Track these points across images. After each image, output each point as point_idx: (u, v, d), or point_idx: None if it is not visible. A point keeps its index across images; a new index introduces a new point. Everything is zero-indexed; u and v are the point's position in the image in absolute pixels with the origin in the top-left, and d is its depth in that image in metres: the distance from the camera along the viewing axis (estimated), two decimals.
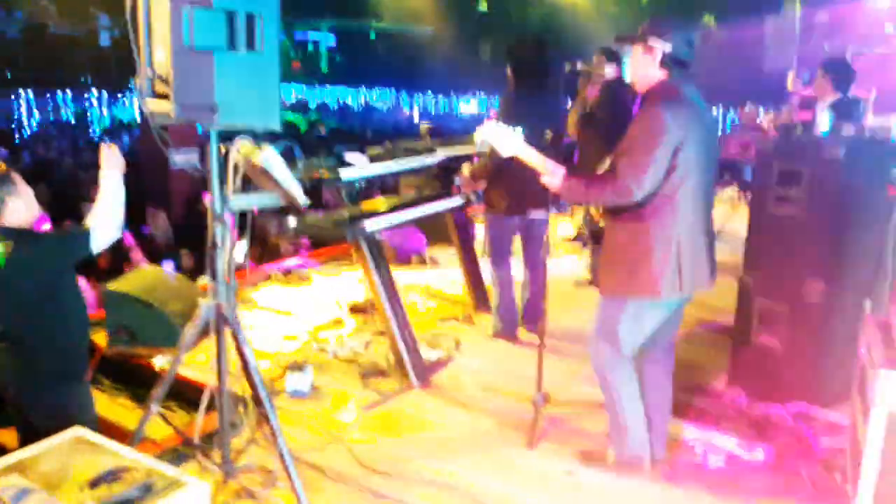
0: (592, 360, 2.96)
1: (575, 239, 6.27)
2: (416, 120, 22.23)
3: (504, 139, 2.79)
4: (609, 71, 4.05)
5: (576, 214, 6.51)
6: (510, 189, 4.00)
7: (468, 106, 24.32)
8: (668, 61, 2.66)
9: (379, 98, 26.91)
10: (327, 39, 26.49)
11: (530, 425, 3.29)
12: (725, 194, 8.70)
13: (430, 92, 25.06)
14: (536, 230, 4.22)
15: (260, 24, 2.35)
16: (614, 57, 4.88)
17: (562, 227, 6.84)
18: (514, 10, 18.39)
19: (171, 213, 7.81)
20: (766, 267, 3.64)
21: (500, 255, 4.31)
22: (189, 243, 6.61)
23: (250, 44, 2.35)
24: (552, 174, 2.75)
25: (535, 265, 4.33)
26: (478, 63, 21.86)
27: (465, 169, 4.26)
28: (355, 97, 26.69)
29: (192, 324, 2.69)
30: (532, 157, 2.79)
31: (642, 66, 2.71)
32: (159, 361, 3.87)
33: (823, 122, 3.50)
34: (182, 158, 2.69)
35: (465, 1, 20.60)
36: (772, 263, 3.61)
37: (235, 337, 2.69)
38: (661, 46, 2.65)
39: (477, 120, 21.66)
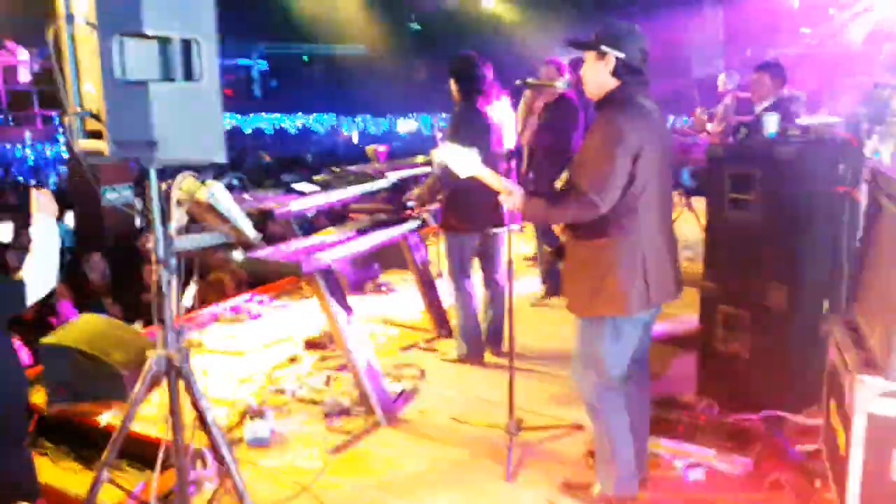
0: (579, 389, 2.85)
1: (533, 258, 6.22)
2: (355, 141, 22.05)
3: (461, 160, 2.72)
4: (560, 84, 4.02)
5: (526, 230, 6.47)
6: (468, 207, 3.92)
7: (407, 124, 24.28)
8: (622, 69, 2.59)
9: (316, 121, 26.62)
10: (259, 65, 26.09)
11: (506, 454, 3.18)
12: None
13: (368, 115, 24.94)
14: (494, 248, 4.15)
15: (197, 50, 2.18)
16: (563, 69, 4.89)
17: (521, 244, 6.79)
18: (447, 27, 18.48)
19: (107, 254, 7.42)
20: (727, 273, 3.63)
21: (461, 276, 4.20)
22: (128, 285, 6.28)
23: (188, 72, 2.18)
24: (510, 194, 2.67)
25: (496, 284, 4.26)
26: (414, 81, 21.88)
27: (415, 191, 4.18)
28: (292, 122, 26.34)
29: (142, 378, 2.48)
30: (490, 178, 2.71)
31: (596, 74, 2.63)
32: (106, 418, 3.59)
33: (770, 123, 3.52)
34: (115, 196, 2.51)
35: (397, 19, 20.60)
36: (732, 269, 3.60)
37: (190, 389, 2.49)
38: (615, 53, 2.58)
39: (418, 138, 21.65)
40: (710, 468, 3.11)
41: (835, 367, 2.93)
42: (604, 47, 2.59)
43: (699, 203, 5.94)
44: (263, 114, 25.83)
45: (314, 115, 26.61)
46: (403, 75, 21.44)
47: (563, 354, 4.30)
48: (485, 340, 4.34)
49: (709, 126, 5.24)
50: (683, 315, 3.31)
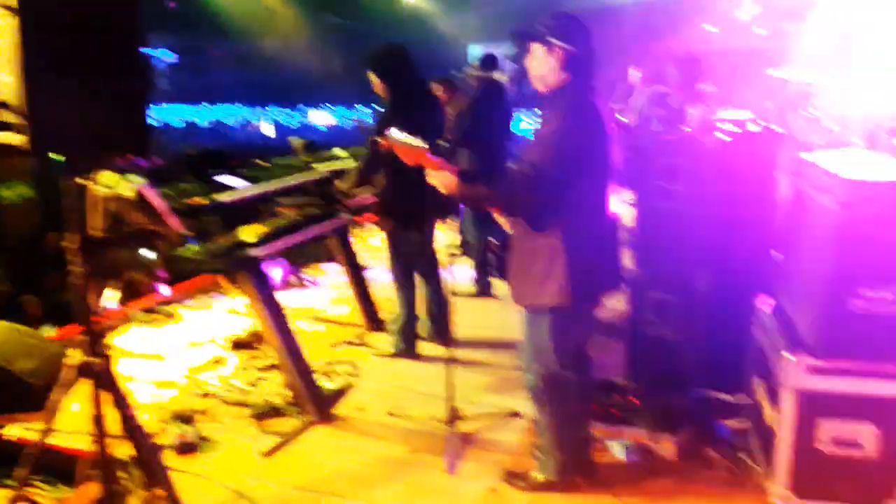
0: (528, 382, 2.86)
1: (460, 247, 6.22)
2: (270, 134, 21.45)
3: (408, 147, 2.71)
4: (487, 76, 4.01)
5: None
6: (409, 201, 3.84)
7: (324, 117, 23.82)
8: (571, 62, 2.57)
9: (228, 114, 25.73)
10: (166, 56, 24.95)
11: (446, 447, 3.15)
12: None
13: (285, 107, 24.31)
14: (431, 242, 4.12)
15: (123, 43, 2.04)
16: (491, 63, 4.90)
17: (446, 235, 6.76)
18: (364, 18, 18.23)
19: (7, 256, 6.89)
20: (656, 259, 3.73)
21: (404, 271, 4.15)
22: (32, 288, 5.85)
23: (112, 66, 2.03)
24: (448, 176, 2.66)
25: (435, 277, 4.23)
26: (330, 73, 21.49)
27: (341, 183, 4.08)
28: (202, 115, 25.36)
29: (59, 386, 2.30)
30: (430, 162, 2.70)
31: (543, 67, 2.61)
32: (14, 432, 3.32)
33: (694, 115, 3.64)
34: (13, 193, 2.31)
35: (313, 11, 20.14)
36: (660, 256, 3.71)
37: (114, 397, 2.33)
38: (564, 47, 2.56)
39: (336, 130, 21.30)
40: (644, 449, 3.20)
41: (761, 346, 3.06)
42: (553, 40, 2.56)
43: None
44: (166, 105, 24.75)
45: (225, 106, 25.72)
46: (320, 68, 21.03)
47: (498, 343, 4.37)
48: (429, 334, 4.30)
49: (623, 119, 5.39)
50: (612, 301, 3.40)
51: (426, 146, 2.70)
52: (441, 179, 2.68)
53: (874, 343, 2.49)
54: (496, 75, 3.98)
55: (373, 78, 3.94)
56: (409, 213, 3.92)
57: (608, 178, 2.74)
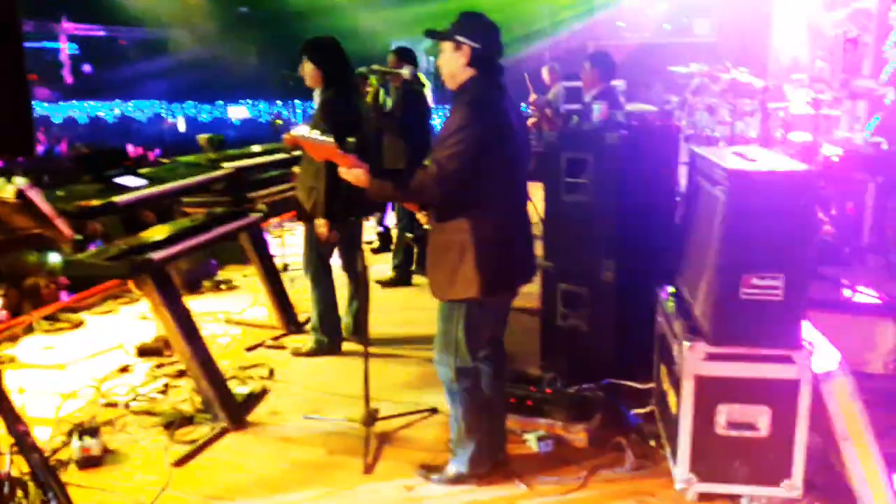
0: (438, 372, 2.88)
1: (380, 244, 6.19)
2: (181, 129, 20.73)
3: (317, 144, 2.71)
4: (406, 71, 3.99)
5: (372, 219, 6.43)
6: (338, 196, 3.77)
7: (239, 111, 23.17)
8: (477, 59, 2.64)
9: (136, 108, 24.67)
10: (69, 48, 23.65)
11: (363, 448, 3.13)
12: None
13: (196, 101, 23.48)
14: (356, 237, 4.08)
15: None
16: (410, 57, 4.88)
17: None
18: (276, 9, 17.82)
19: None
20: (564, 252, 3.82)
21: (322, 267, 4.10)
22: None
23: None
24: (357, 169, 2.69)
25: (357, 274, 4.18)
26: (243, 67, 20.93)
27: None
28: (108, 109, 24.21)
29: None
30: (340, 158, 2.71)
31: (452, 64, 2.68)
32: None
33: (598, 111, 3.73)
34: None
35: (224, 2, 19.56)
36: (569, 249, 3.80)
37: (3, 412, 2.21)
38: (470, 44, 2.63)
39: (251, 125, 20.76)
40: (557, 438, 3.27)
41: (663, 334, 3.18)
42: (459, 37, 2.64)
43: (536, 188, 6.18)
44: (75, 101, 23.53)
45: (133, 101, 24.65)
46: (233, 60, 20.44)
47: (416, 338, 4.37)
48: (350, 332, 4.26)
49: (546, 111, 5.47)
50: (524, 292, 3.46)
51: (334, 142, 2.69)
52: (353, 175, 2.71)
53: (764, 328, 2.62)
54: (405, 71, 3.97)
55: (307, 67, 3.87)
56: (339, 209, 3.83)
57: (522, 170, 2.80)
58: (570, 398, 3.48)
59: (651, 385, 3.46)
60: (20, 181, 2.20)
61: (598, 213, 3.64)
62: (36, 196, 2.22)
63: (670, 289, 3.28)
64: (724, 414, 2.69)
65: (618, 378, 3.64)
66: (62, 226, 2.31)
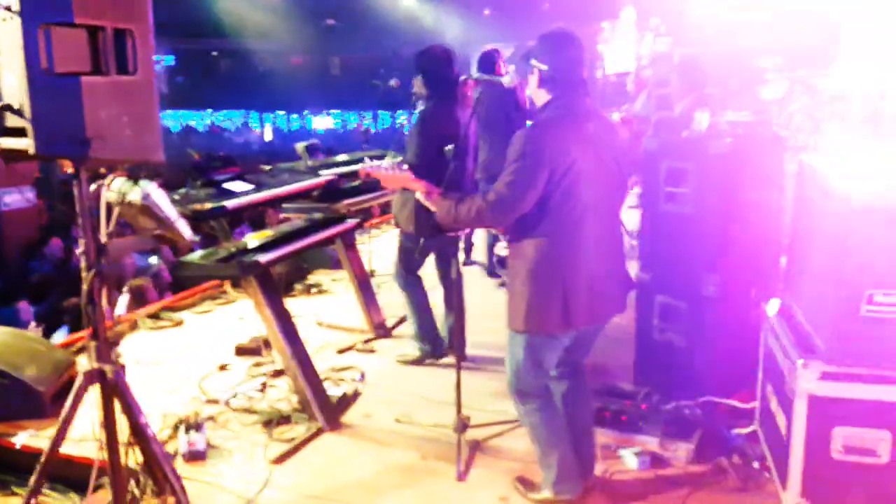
0: (509, 391, 2.82)
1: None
2: (268, 138, 21.47)
3: (388, 175, 2.83)
4: (507, 80, 4.01)
5: None
6: (420, 208, 3.82)
7: (323, 121, 23.83)
8: (546, 81, 2.58)
9: (225, 118, 25.74)
10: (166, 59, 24.96)
11: (455, 454, 3.14)
12: None
13: (282, 111, 24.31)
14: (448, 249, 4.10)
15: (132, 42, 2.03)
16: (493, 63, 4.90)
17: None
18: (365, 23, 18.26)
19: (6, 262, 6.88)
20: (663, 264, 3.72)
21: (412, 276, 4.13)
22: (32, 295, 5.84)
23: (122, 66, 2.02)
24: (428, 194, 2.72)
25: (451, 285, 4.20)
26: (328, 78, 21.51)
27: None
28: (199, 119, 25.37)
29: (73, 394, 2.28)
30: (413, 184, 2.78)
31: (530, 87, 2.66)
32: (21, 439, 3.30)
33: (704, 119, 3.62)
34: (13, 199, 2.31)
35: (311, 16, 20.16)
36: (667, 260, 3.69)
37: (126, 405, 2.32)
38: (538, 66, 2.58)
39: (333, 135, 21.28)
40: (654, 455, 3.18)
41: (771, 351, 3.05)
42: (532, 61, 2.60)
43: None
44: (169, 110, 24.76)
45: (223, 111, 25.75)
46: (318, 72, 21.05)
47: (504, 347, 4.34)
48: (447, 344, 4.22)
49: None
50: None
51: (405, 170, 2.80)
52: (426, 201, 2.75)
53: (887, 348, 2.47)
54: (505, 79, 3.98)
55: (417, 81, 3.93)
56: (418, 218, 3.85)
57: (609, 193, 2.63)
58: (667, 415, 3.38)
59: (754, 405, 3.33)
60: (146, 184, 2.31)
61: (699, 224, 3.52)
62: (161, 199, 2.33)
63: (778, 304, 3.14)
64: (841, 438, 2.55)
65: (716, 396, 3.51)
66: (183, 228, 2.41)
